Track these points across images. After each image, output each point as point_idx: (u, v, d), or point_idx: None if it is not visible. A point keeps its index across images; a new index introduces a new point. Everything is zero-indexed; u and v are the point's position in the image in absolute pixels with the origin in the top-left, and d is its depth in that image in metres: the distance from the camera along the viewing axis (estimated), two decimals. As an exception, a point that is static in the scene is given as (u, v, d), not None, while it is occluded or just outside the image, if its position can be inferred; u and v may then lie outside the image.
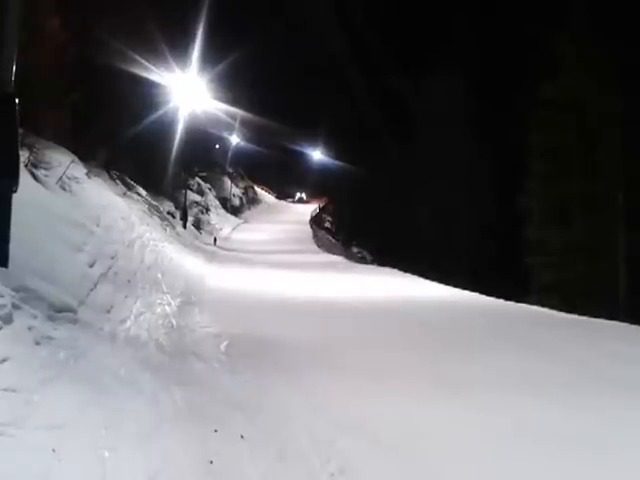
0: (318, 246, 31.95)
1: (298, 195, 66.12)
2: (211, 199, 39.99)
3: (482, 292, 12.52)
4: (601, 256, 17.72)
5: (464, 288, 13.45)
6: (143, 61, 18.11)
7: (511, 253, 21.40)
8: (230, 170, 51.61)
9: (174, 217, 24.35)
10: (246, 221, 43.62)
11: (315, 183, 59.36)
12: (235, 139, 50.02)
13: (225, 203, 44.09)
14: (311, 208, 53.61)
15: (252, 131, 48.64)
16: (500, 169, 27.53)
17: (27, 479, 2.62)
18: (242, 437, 3.65)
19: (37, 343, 4.13)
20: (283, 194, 64.16)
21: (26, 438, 2.89)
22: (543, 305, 11.65)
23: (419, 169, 32.50)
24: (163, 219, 19.77)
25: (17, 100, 5.34)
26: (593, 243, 17.85)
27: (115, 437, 3.27)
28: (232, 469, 3.22)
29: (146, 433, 3.47)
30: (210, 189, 41.50)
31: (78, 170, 12.15)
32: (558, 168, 19.19)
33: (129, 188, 18.85)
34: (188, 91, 23.59)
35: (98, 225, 9.72)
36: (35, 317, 4.46)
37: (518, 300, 11.88)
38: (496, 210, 26.88)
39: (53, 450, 2.88)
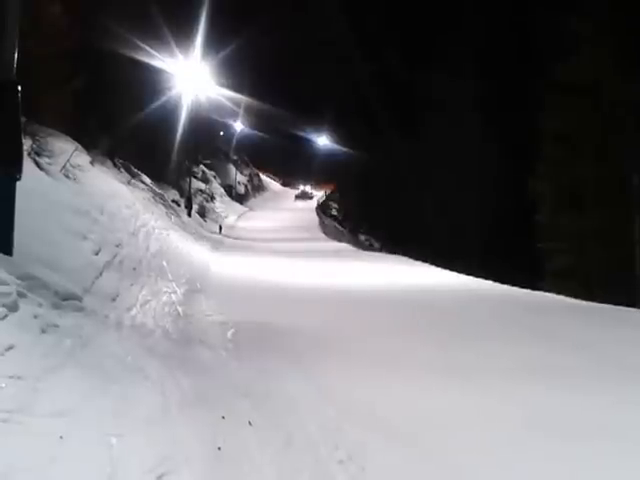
0: (325, 234, 31.87)
1: (301, 188, 55.33)
2: (216, 187, 39.95)
3: (494, 279, 12.39)
4: (616, 241, 17.45)
5: (475, 275, 13.35)
6: (146, 47, 17.99)
7: (523, 239, 21.19)
8: (235, 157, 51.46)
9: (179, 205, 24.34)
10: (251, 209, 43.59)
11: (321, 170, 57.08)
12: (239, 126, 49.81)
13: (230, 191, 44.05)
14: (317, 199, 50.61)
15: (256, 118, 48.42)
16: (511, 154, 27.23)
17: (34, 465, 2.61)
18: (250, 424, 3.63)
19: (43, 331, 4.12)
20: (289, 181, 63.65)
21: (33, 425, 2.88)
22: (557, 292, 11.50)
23: (427, 155, 32.23)
24: (168, 207, 19.76)
25: (19, 87, 5.30)
26: (608, 228, 17.54)
27: (122, 424, 3.26)
28: (240, 455, 3.21)
29: (153, 420, 3.46)
30: (215, 177, 41.43)
31: (82, 158, 12.13)
32: (572, 152, 18.86)
33: (133, 176, 18.83)
34: (191, 77, 23.44)
35: (102, 213, 9.71)
36: (40, 305, 4.45)
37: (531, 287, 11.73)
38: (507, 195, 26.61)
39: (60, 437, 2.87)
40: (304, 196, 52.13)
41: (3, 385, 3.09)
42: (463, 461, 3.27)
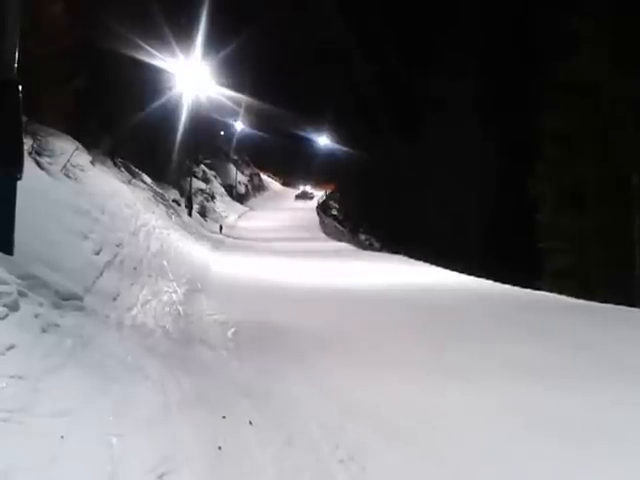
0: (325, 233, 31.91)
1: (302, 188, 55.47)
2: (216, 186, 39.97)
3: (493, 278, 12.40)
4: (616, 241, 17.44)
5: (475, 275, 13.36)
6: (147, 47, 18.00)
7: (523, 238, 21.20)
8: (235, 157, 51.45)
9: (179, 205, 24.36)
10: (252, 208, 43.62)
11: (322, 169, 56.92)
12: (240, 125, 49.78)
13: (230, 190, 44.08)
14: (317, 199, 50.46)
15: (257, 117, 48.42)
16: (511, 154, 27.23)
17: (35, 465, 2.61)
18: (250, 423, 3.63)
19: (44, 331, 4.12)
20: (289, 181, 63.62)
21: (33, 425, 2.88)
22: (557, 291, 11.51)
23: (428, 155, 32.25)
24: (168, 207, 19.77)
25: (20, 87, 5.30)
26: (608, 227, 17.55)
27: (123, 424, 3.26)
28: (241, 455, 3.21)
29: (154, 420, 3.46)
30: (215, 176, 41.45)
31: (82, 157, 12.14)
32: (572, 152, 18.84)
33: (134, 176, 18.84)
34: (192, 77, 23.45)
35: (103, 213, 9.71)
36: (41, 305, 4.45)
37: (531, 286, 11.74)
38: (507, 195, 26.61)
39: (61, 437, 2.87)
40: (304, 196, 51.86)
41: (4, 385, 3.09)
42: (462, 461, 3.27)
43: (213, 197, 36.43)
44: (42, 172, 9.00)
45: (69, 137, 12.54)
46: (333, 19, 44.96)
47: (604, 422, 3.82)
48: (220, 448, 3.22)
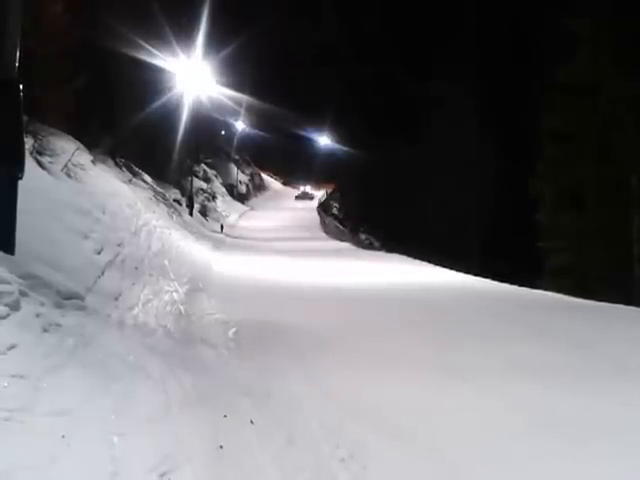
0: (326, 233, 31.95)
1: (302, 188, 55.11)
2: (217, 186, 39.97)
3: (493, 278, 12.42)
4: (615, 240, 17.47)
5: (475, 274, 13.38)
6: (148, 46, 17.99)
7: (523, 238, 21.21)
8: (236, 156, 51.44)
9: (180, 204, 24.36)
10: (253, 208, 43.64)
11: (322, 169, 56.75)
12: (241, 125, 49.77)
13: (231, 190, 44.07)
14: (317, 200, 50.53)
15: (258, 117, 48.40)
16: (511, 154, 27.23)
17: (37, 464, 2.61)
18: (251, 422, 3.64)
19: (45, 330, 4.13)
20: (290, 181, 63.62)
21: (35, 424, 2.89)
22: (556, 290, 11.54)
23: (427, 155, 32.22)
24: (169, 206, 19.78)
25: (21, 87, 5.30)
26: (607, 227, 17.58)
27: (124, 423, 3.26)
28: (242, 454, 3.22)
29: (155, 419, 3.47)
30: (216, 176, 41.44)
31: (83, 157, 12.15)
32: (571, 152, 18.87)
33: (135, 175, 18.85)
34: (193, 77, 23.46)
35: (104, 212, 9.72)
36: (43, 304, 4.45)
37: (530, 285, 11.77)
38: (507, 195, 26.61)
39: (62, 436, 2.88)
40: (304, 197, 51.84)
41: (5, 384, 3.09)
42: (463, 460, 3.28)
43: (214, 197, 36.41)
44: (43, 172, 9.00)
45: (70, 137, 12.55)
46: (332, 20, 44.97)
47: (605, 421, 3.83)
48: (221, 447, 3.23)
